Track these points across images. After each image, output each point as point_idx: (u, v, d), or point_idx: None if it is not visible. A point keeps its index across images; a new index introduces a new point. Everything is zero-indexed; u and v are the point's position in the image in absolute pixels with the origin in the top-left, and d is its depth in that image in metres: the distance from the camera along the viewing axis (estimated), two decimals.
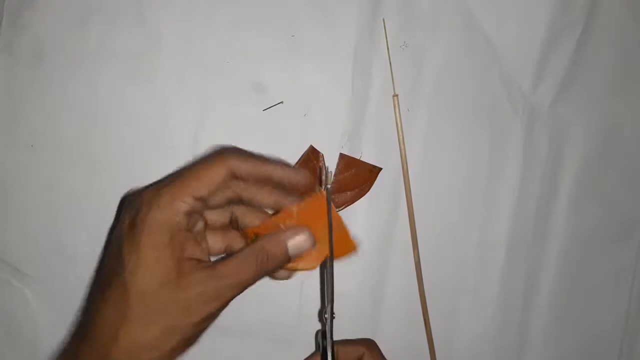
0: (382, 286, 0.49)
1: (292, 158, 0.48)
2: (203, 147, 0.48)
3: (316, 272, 0.49)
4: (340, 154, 0.48)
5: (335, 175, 0.48)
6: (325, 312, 0.40)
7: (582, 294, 0.51)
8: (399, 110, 0.48)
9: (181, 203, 0.34)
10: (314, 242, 0.36)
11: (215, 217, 0.39)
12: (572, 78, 0.50)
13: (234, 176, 0.35)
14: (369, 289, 0.49)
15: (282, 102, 0.48)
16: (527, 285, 0.50)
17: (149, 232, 0.33)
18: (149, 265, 0.33)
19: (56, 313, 0.47)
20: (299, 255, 0.36)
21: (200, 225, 0.37)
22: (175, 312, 0.33)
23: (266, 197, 0.38)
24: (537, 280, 0.50)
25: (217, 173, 0.35)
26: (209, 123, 0.48)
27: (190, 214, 0.34)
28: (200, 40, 0.47)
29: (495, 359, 0.51)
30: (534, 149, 0.50)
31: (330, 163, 0.48)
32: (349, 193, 0.48)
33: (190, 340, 0.35)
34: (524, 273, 0.50)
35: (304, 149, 0.48)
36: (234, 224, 0.40)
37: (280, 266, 0.36)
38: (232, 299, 0.35)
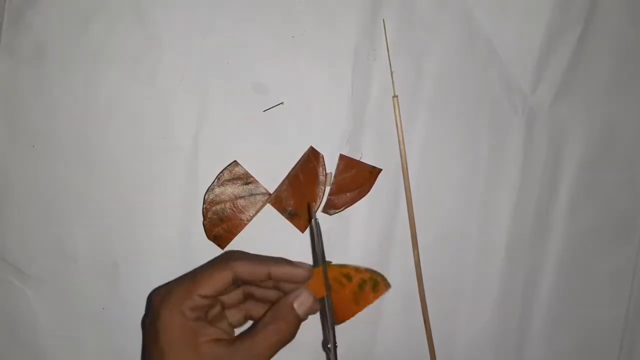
0: None
1: (292, 159, 0.48)
2: (203, 147, 0.48)
3: None
4: (340, 155, 0.48)
5: (335, 176, 0.48)
6: (329, 342, 0.44)
7: (582, 294, 0.51)
8: (399, 111, 0.48)
9: (188, 301, 0.39)
10: (314, 297, 0.42)
11: (231, 296, 0.43)
12: (572, 78, 0.49)
13: (239, 278, 0.41)
14: None
15: (282, 103, 0.48)
16: (527, 285, 0.50)
17: (164, 329, 0.39)
18: (169, 358, 0.38)
19: (56, 313, 0.47)
20: (308, 312, 0.41)
21: (217, 309, 0.42)
22: None
23: (269, 293, 0.44)
24: (537, 280, 0.50)
25: (221, 278, 0.40)
26: (210, 123, 0.48)
27: (198, 308, 0.39)
28: (201, 40, 0.47)
29: (495, 359, 0.51)
30: (534, 149, 0.50)
31: (330, 164, 0.48)
32: (348, 194, 0.48)
33: None
34: (524, 273, 0.50)
35: (304, 149, 0.48)
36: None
37: (296, 326, 0.41)
38: None
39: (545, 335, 0.51)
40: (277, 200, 0.48)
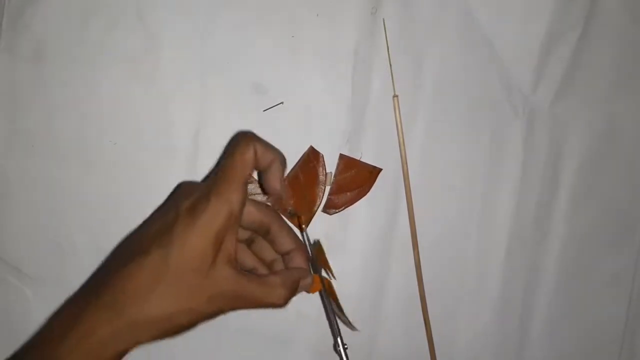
0: (382, 286, 0.49)
1: (292, 159, 0.48)
2: (203, 148, 0.48)
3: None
4: (340, 154, 0.48)
5: (335, 176, 0.48)
6: (338, 345, 0.46)
7: (582, 294, 0.51)
8: (399, 111, 0.48)
9: (235, 192, 0.38)
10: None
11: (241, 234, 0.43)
12: (572, 78, 0.49)
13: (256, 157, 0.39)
14: (369, 289, 0.49)
15: (282, 103, 0.48)
16: (527, 285, 0.50)
17: (205, 220, 0.37)
18: (193, 249, 0.37)
19: None
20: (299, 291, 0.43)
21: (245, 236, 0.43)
22: (194, 297, 0.37)
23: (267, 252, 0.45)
24: (537, 281, 0.50)
25: (247, 154, 0.39)
26: (209, 123, 0.48)
27: (243, 202, 0.38)
28: (201, 40, 0.47)
29: (495, 359, 0.51)
30: (534, 149, 0.50)
31: (330, 164, 0.48)
32: (348, 194, 0.48)
33: (193, 325, 0.39)
34: (524, 273, 0.50)
35: (304, 149, 0.48)
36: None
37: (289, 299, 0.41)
38: (244, 309, 0.40)
39: (545, 336, 0.51)
40: (278, 200, 0.48)
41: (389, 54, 0.48)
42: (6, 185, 0.47)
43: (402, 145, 0.48)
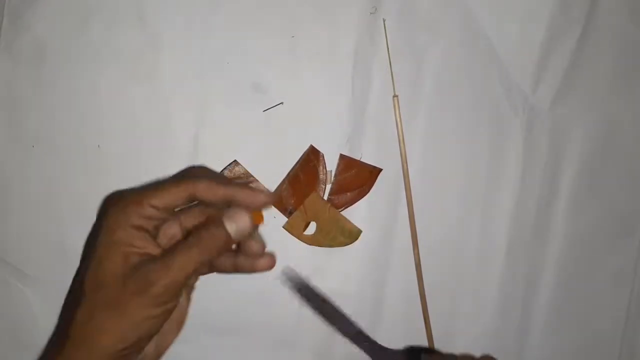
0: (382, 286, 0.49)
1: (292, 159, 0.48)
2: (203, 148, 0.48)
3: (318, 273, 0.49)
4: (341, 154, 0.48)
5: (335, 176, 0.48)
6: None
7: (582, 294, 0.51)
8: (399, 111, 0.48)
9: (138, 207, 0.37)
10: (252, 221, 0.38)
11: (191, 216, 0.41)
12: (572, 78, 0.50)
13: (195, 196, 0.38)
14: (369, 289, 0.49)
15: (282, 103, 0.48)
16: (527, 285, 0.50)
17: (106, 229, 0.37)
18: (101, 261, 0.36)
19: (56, 313, 0.47)
20: (239, 233, 0.38)
21: (170, 225, 0.39)
22: (125, 303, 0.36)
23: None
24: (537, 281, 0.50)
25: (177, 192, 0.37)
26: (209, 123, 0.48)
27: (145, 218, 0.37)
28: (200, 40, 0.47)
29: None
30: (534, 149, 0.50)
31: (330, 163, 0.48)
32: (349, 194, 0.48)
33: (145, 330, 0.37)
34: (524, 273, 0.50)
35: (304, 149, 0.48)
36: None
37: (225, 248, 0.38)
38: (181, 287, 0.36)
39: (545, 336, 0.51)
40: (278, 199, 0.48)
41: (389, 54, 0.48)
42: (6, 185, 0.47)
43: (402, 145, 0.48)
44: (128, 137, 0.47)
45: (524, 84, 0.49)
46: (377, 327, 0.49)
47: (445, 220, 0.50)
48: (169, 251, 0.37)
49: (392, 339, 0.50)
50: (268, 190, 0.41)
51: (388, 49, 0.48)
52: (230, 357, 0.49)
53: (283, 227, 0.48)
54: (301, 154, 0.48)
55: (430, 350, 0.49)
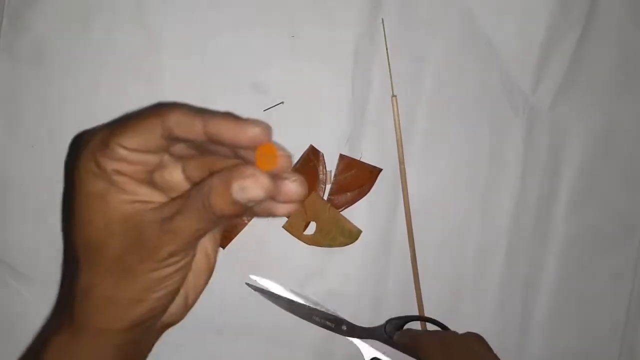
0: (382, 286, 0.49)
1: (292, 158, 0.48)
2: None
3: (318, 273, 0.49)
4: (340, 154, 0.48)
5: (335, 176, 0.48)
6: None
7: (582, 294, 0.51)
8: (398, 111, 0.48)
9: (106, 150, 0.29)
10: (268, 189, 0.27)
11: (181, 149, 0.32)
12: (572, 78, 0.50)
13: (170, 133, 0.29)
14: (369, 289, 0.49)
15: (282, 103, 0.48)
16: (527, 285, 0.50)
17: (79, 179, 0.30)
18: (89, 220, 0.30)
19: None
20: (251, 202, 0.27)
21: (153, 164, 0.31)
22: (131, 266, 0.30)
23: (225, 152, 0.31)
24: (537, 281, 0.50)
25: (148, 129, 0.29)
26: None
27: (118, 160, 0.29)
28: (201, 40, 0.47)
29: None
30: (534, 149, 0.50)
31: (330, 163, 0.48)
32: (349, 194, 0.48)
33: (161, 291, 0.31)
34: (524, 273, 0.50)
35: (304, 149, 0.48)
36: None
37: (230, 213, 0.28)
38: (191, 246, 0.30)
39: (545, 336, 0.51)
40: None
41: (387, 55, 0.48)
42: (6, 185, 0.47)
43: (399, 146, 0.48)
44: None
45: (524, 84, 0.49)
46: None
47: (445, 220, 0.50)
48: (171, 206, 0.29)
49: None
50: (258, 121, 0.29)
51: (387, 49, 0.48)
52: (230, 356, 0.49)
53: (283, 227, 0.48)
54: (301, 154, 0.48)
55: (415, 318, 0.49)
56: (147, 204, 0.29)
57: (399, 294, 0.49)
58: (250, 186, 0.27)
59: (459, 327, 0.50)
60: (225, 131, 0.28)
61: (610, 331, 0.51)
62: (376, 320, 0.49)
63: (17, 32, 0.47)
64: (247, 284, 0.48)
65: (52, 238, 0.47)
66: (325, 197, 0.48)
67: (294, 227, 0.48)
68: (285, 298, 0.48)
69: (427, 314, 0.49)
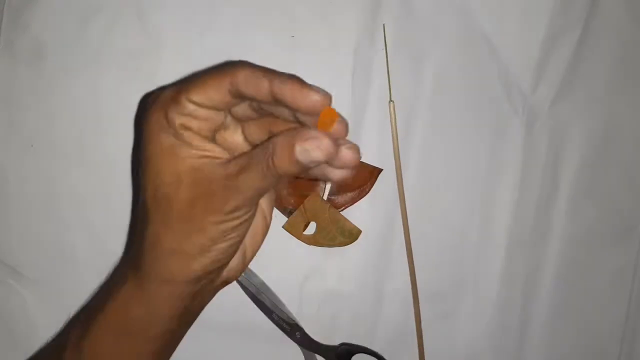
0: (382, 286, 0.49)
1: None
2: None
3: (318, 273, 0.49)
4: None
5: None
6: None
7: (582, 294, 0.51)
8: (395, 116, 0.48)
9: (175, 105, 0.31)
10: (329, 152, 0.29)
11: (242, 110, 0.33)
12: (572, 78, 0.49)
13: (238, 89, 0.30)
14: (369, 289, 0.49)
15: None
16: (527, 285, 0.50)
17: (147, 134, 0.31)
18: (158, 173, 0.31)
19: (55, 315, 0.46)
20: (313, 163, 0.29)
21: (219, 122, 0.32)
22: (197, 218, 0.31)
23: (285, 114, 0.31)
24: (537, 280, 0.50)
25: (216, 83, 0.30)
26: None
27: (187, 115, 0.31)
28: (200, 40, 0.47)
29: (494, 359, 0.51)
30: (534, 149, 0.50)
31: None
32: (349, 194, 0.48)
33: (225, 244, 0.32)
34: (524, 273, 0.50)
35: None
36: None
37: (291, 172, 0.29)
38: (257, 200, 0.31)
39: (545, 336, 0.51)
40: (277, 199, 0.48)
41: (387, 59, 0.48)
42: (5, 185, 0.47)
43: (396, 152, 0.48)
44: (128, 137, 0.47)
45: (524, 84, 0.49)
46: (377, 327, 0.49)
47: (445, 220, 0.50)
48: (236, 162, 0.30)
49: (392, 339, 0.50)
50: (323, 89, 0.30)
51: (387, 53, 0.48)
52: (229, 355, 0.49)
53: (283, 227, 0.48)
54: None
55: (366, 351, 0.49)
56: (213, 158, 0.31)
57: (399, 294, 0.49)
58: (312, 148, 0.28)
59: (459, 326, 0.50)
60: (290, 92, 0.29)
61: (610, 331, 0.51)
62: (376, 320, 0.49)
63: (17, 32, 0.47)
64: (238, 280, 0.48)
65: (51, 238, 0.47)
66: (325, 197, 0.48)
67: (294, 227, 0.48)
68: (250, 292, 0.48)
69: (425, 315, 0.49)
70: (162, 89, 0.32)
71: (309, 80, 0.48)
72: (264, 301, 0.48)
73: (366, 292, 0.49)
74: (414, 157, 0.49)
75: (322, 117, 0.29)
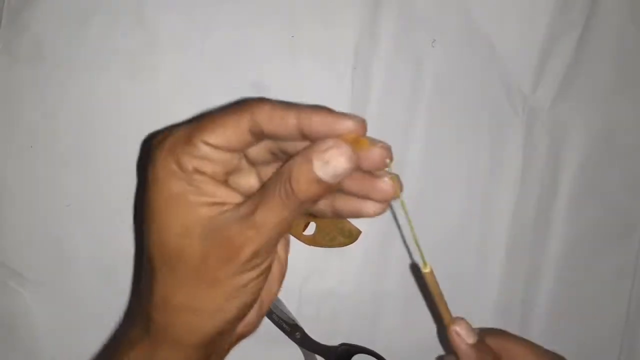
0: (382, 286, 0.49)
1: None
2: None
3: (318, 273, 0.49)
4: None
5: None
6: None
7: (582, 294, 0.51)
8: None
9: (187, 147, 0.28)
10: (353, 159, 0.26)
11: (258, 152, 0.31)
12: (572, 78, 0.50)
13: (259, 128, 0.28)
14: (369, 289, 0.49)
15: None
16: (527, 285, 0.50)
17: (155, 178, 0.29)
18: (164, 223, 0.28)
19: (55, 316, 0.47)
20: (337, 177, 0.26)
21: (233, 165, 0.30)
22: (211, 272, 0.28)
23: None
24: (537, 281, 0.50)
25: (235, 123, 0.28)
26: None
27: (200, 158, 0.28)
28: (200, 40, 0.47)
29: None
30: (534, 149, 0.50)
31: None
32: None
33: (243, 299, 0.29)
34: (524, 273, 0.50)
35: None
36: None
37: (315, 195, 0.26)
38: (275, 244, 0.29)
39: (545, 336, 0.51)
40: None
41: (413, 232, 0.47)
42: (5, 186, 0.47)
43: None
44: (128, 137, 0.47)
45: (523, 84, 0.49)
46: (377, 327, 0.49)
47: (445, 220, 0.50)
48: (249, 203, 0.28)
49: (392, 339, 0.50)
50: (354, 115, 0.28)
51: (411, 226, 0.47)
52: (229, 355, 0.49)
53: None
54: None
55: (366, 351, 0.48)
56: (225, 205, 0.28)
57: (399, 294, 0.49)
58: (333, 157, 0.25)
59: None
60: (320, 122, 0.27)
61: (610, 331, 0.51)
62: (376, 320, 0.49)
63: (16, 32, 0.47)
64: None
65: (51, 239, 0.47)
66: None
67: (294, 227, 0.48)
68: None
69: (426, 314, 0.49)
70: (169, 129, 0.30)
71: (309, 80, 0.48)
72: None
73: (366, 292, 0.49)
74: (414, 158, 0.49)
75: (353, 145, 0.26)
